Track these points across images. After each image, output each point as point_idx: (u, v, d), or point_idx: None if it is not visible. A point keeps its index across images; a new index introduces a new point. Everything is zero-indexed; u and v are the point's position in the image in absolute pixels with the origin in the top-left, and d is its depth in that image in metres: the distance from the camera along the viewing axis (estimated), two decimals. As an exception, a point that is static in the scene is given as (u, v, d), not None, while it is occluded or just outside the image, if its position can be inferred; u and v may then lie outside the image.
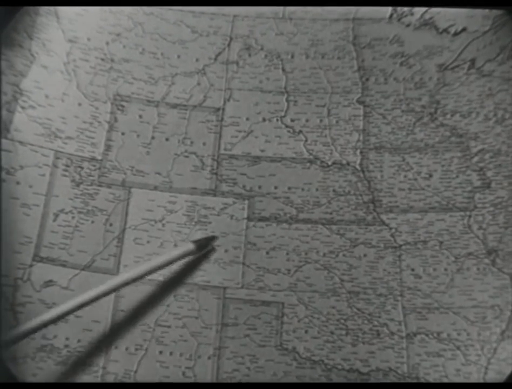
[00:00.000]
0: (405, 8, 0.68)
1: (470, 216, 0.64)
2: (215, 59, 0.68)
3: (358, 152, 0.66)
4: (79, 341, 0.61)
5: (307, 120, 0.67)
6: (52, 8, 0.68)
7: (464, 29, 0.67)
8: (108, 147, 0.66)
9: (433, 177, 0.65)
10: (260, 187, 0.65)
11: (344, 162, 0.66)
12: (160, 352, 0.61)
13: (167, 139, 0.66)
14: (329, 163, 0.66)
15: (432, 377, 0.60)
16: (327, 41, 0.68)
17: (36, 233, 0.63)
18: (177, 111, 0.67)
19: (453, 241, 0.63)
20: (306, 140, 0.66)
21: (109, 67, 0.68)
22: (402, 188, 0.65)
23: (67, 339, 0.61)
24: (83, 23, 0.68)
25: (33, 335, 0.59)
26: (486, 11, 0.67)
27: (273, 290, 0.63)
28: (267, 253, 0.64)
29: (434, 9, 0.67)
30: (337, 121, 0.67)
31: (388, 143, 0.66)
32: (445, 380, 0.60)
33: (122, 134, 0.66)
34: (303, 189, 0.65)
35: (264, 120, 0.67)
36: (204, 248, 0.63)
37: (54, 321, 0.57)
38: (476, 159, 0.65)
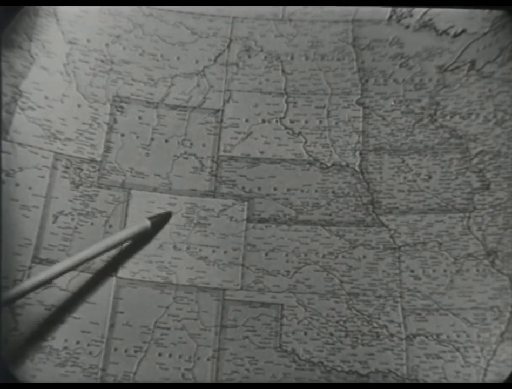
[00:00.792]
0: (405, 10, 0.68)
1: (469, 217, 0.64)
2: (215, 61, 0.68)
3: (357, 153, 0.66)
4: (77, 342, 0.61)
5: (306, 122, 0.67)
6: (51, 9, 0.68)
7: (463, 31, 0.67)
8: (107, 149, 0.66)
9: (433, 178, 0.65)
10: (259, 189, 0.65)
11: (343, 163, 0.66)
12: (159, 354, 0.61)
13: (166, 141, 0.66)
14: (329, 164, 0.66)
15: (432, 379, 0.60)
16: (327, 43, 0.68)
17: (35, 234, 0.63)
18: (177, 112, 0.67)
19: (452, 243, 0.63)
20: (305, 142, 0.66)
21: (109, 69, 0.68)
22: (401, 189, 0.65)
23: (65, 340, 0.61)
24: (83, 25, 0.68)
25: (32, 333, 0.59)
26: (486, 12, 0.67)
27: (272, 291, 0.63)
28: (266, 254, 0.64)
29: (433, 11, 0.67)
30: (336, 123, 0.67)
31: (388, 144, 0.66)
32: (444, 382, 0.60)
33: (122, 135, 0.66)
34: (302, 191, 0.65)
35: (263, 121, 0.67)
36: (160, 226, 0.62)
37: (49, 280, 0.58)
38: (475, 160, 0.65)
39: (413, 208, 0.64)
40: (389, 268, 0.63)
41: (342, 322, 0.62)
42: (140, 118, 0.67)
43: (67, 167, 0.65)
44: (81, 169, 0.65)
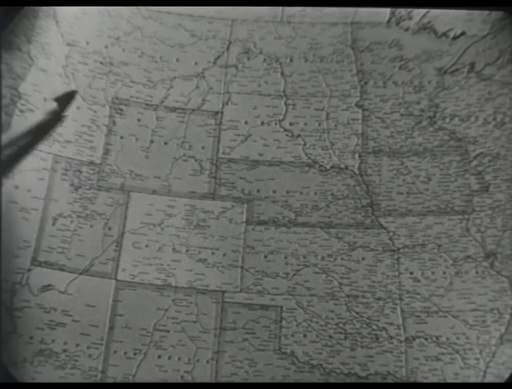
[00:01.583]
0: (404, 12, 0.68)
1: (468, 219, 0.64)
2: (214, 63, 0.68)
3: (356, 155, 0.66)
4: (77, 345, 0.61)
5: (305, 124, 0.67)
6: (51, 11, 0.68)
7: (463, 33, 0.67)
8: (106, 151, 0.66)
9: (432, 181, 0.65)
10: (258, 191, 0.65)
11: (342, 166, 0.66)
12: (159, 356, 0.61)
13: (165, 143, 0.66)
14: (328, 167, 0.66)
15: (431, 381, 0.60)
16: (326, 45, 0.68)
17: (35, 237, 0.63)
18: (176, 115, 0.67)
19: (451, 245, 0.63)
20: (305, 144, 0.66)
21: (108, 71, 0.68)
22: (400, 191, 0.65)
23: (65, 343, 0.61)
24: (83, 27, 0.68)
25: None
26: (485, 14, 0.67)
27: (272, 294, 0.63)
28: (266, 256, 0.64)
29: (432, 14, 0.67)
30: (335, 125, 0.67)
31: (387, 147, 0.66)
32: (443, 384, 0.60)
33: (121, 138, 0.66)
34: (301, 193, 0.65)
35: (262, 123, 0.67)
36: (66, 105, 0.62)
37: None
38: (474, 162, 0.65)
39: (412, 210, 0.64)
40: (388, 270, 0.63)
41: (341, 325, 0.62)
42: (139, 120, 0.67)
43: (66, 170, 0.65)
44: (81, 172, 0.65)
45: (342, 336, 0.62)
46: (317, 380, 0.61)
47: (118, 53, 0.68)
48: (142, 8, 0.69)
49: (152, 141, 0.66)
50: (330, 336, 0.62)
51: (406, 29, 0.68)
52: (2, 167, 0.57)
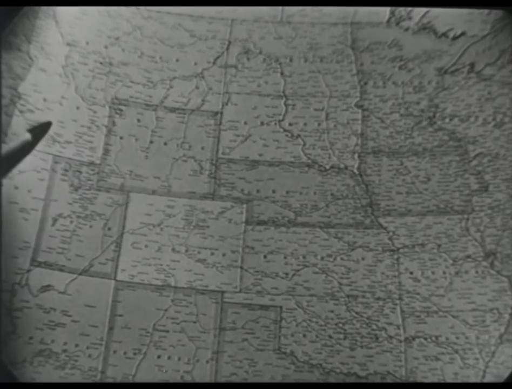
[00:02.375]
0: (403, 12, 0.68)
1: (467, 219, 0.64)
2: (214, 63, 0.68)
3: (356, 156, 0.66)
4: (76, 345, 0.61)
5: (305, 124, 0.67)
6: (51, 11, 0.68)
7: (463, 33, 0.67)
8: (106, 152, 0.66)
9: (431, 180, 0.65)
10: (258, 191, 0.65)
11: (342, 166, 0.66)
12: (159, 356, 0.61)
13: (165, 143, 0.66)
14: (327, 167, 0.66)
15: (430, 381, 0.60)
16: (326, 45, 0.68)
17: (34, 237, 0.63)
18: (176, 115, 0.67)
19: (451, 244, 0.63)
20: (304, 144, 0.66)
21: (108, 71, 0.68)
22: (399, 191, 0.65)
23: (65, 343, 0.61)
24: (82, 27, 0.68)
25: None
26: (485, 14, 0.67)
27: (271, 294, 0.63)
28: (265, 256, 0.64)
29: (432, 14, 0.67)
30: (335, 125, 0.67)
31: (386, 147, 0.66)
32: (442, 384, 0.60)
33: (121, 138, 0.66)
34: (301, 193, 0.65)
35: (262, 124, 0.67)
36: (40, 137, 0.61)
37: None
38: (474, 162, 0.65)
39: (412, 210, 0.64)
40: (387, 270, 0.63)
41: (341, 324, 0.62)
42: (138, 120, 0.67)
43: (66, 170, 0.65)
44: (80, 172, 0.65)
45: (342, 336, 0.62)
46: (317, 380, 0.61)
47: (117, 53, 0.68)
48: (142, 8, 0.69)
49: (151, 142, 0.66)
50: (330, 336, 0.62)
51: (406, 30, 0.68)
52: None
